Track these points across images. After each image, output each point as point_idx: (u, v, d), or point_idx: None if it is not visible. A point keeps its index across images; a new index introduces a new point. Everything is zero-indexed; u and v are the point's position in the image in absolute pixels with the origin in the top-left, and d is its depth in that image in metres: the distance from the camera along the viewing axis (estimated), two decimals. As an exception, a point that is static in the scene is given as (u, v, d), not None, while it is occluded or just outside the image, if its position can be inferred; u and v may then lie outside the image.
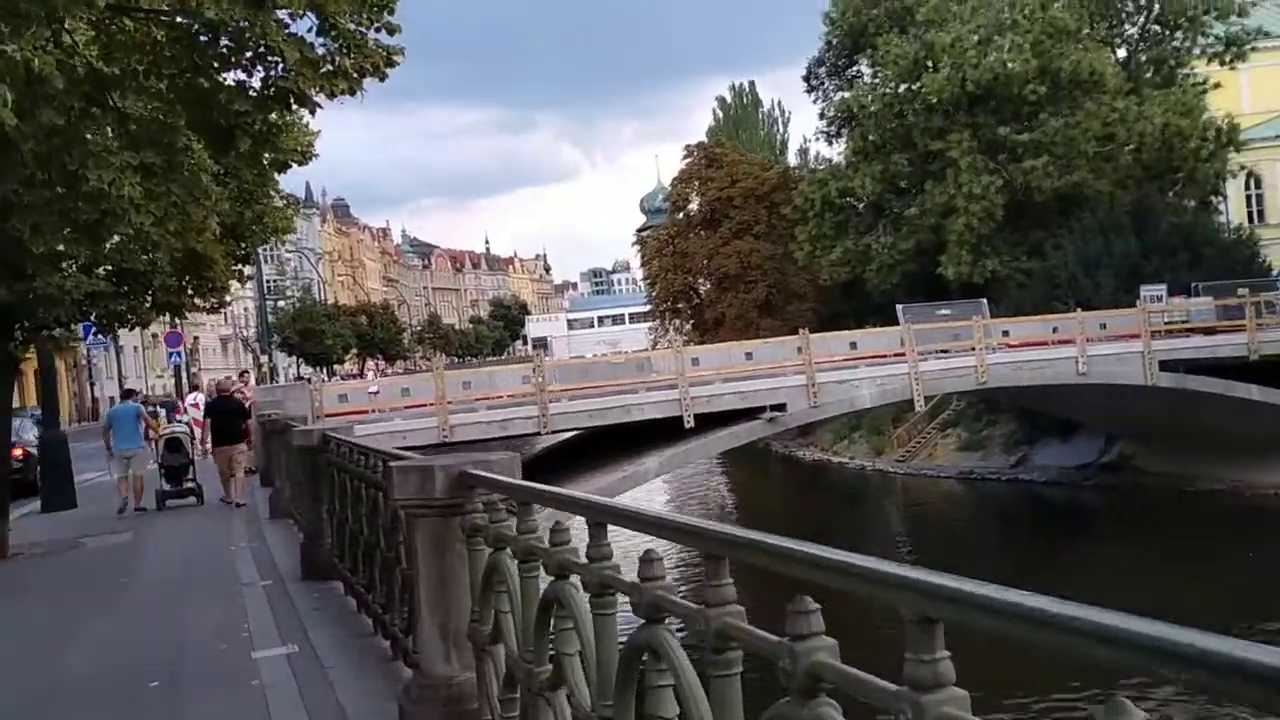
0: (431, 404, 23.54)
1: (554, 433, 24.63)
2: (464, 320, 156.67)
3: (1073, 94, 39.99)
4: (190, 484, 16.72)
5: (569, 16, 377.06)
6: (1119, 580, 24.48)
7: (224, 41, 6.06)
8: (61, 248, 8.81)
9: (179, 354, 33.30)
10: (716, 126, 76.74)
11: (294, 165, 12.44)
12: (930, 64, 40.68)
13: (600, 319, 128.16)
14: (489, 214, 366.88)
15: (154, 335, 71.06)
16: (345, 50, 6.30)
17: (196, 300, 13.52)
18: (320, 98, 6.49)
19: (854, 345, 29.76)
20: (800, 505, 41.51)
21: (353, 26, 6.34)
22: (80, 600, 9.95)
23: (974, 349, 27.53)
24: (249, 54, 6.18)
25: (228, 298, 16.68)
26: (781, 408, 24.73)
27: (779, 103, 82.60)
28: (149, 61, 6.25)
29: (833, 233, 43.52)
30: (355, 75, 6.42)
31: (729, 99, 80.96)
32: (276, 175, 12.81)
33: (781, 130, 79.93)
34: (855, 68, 48.21)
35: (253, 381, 23.05)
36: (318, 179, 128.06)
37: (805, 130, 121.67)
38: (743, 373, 25.60)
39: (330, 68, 6.34)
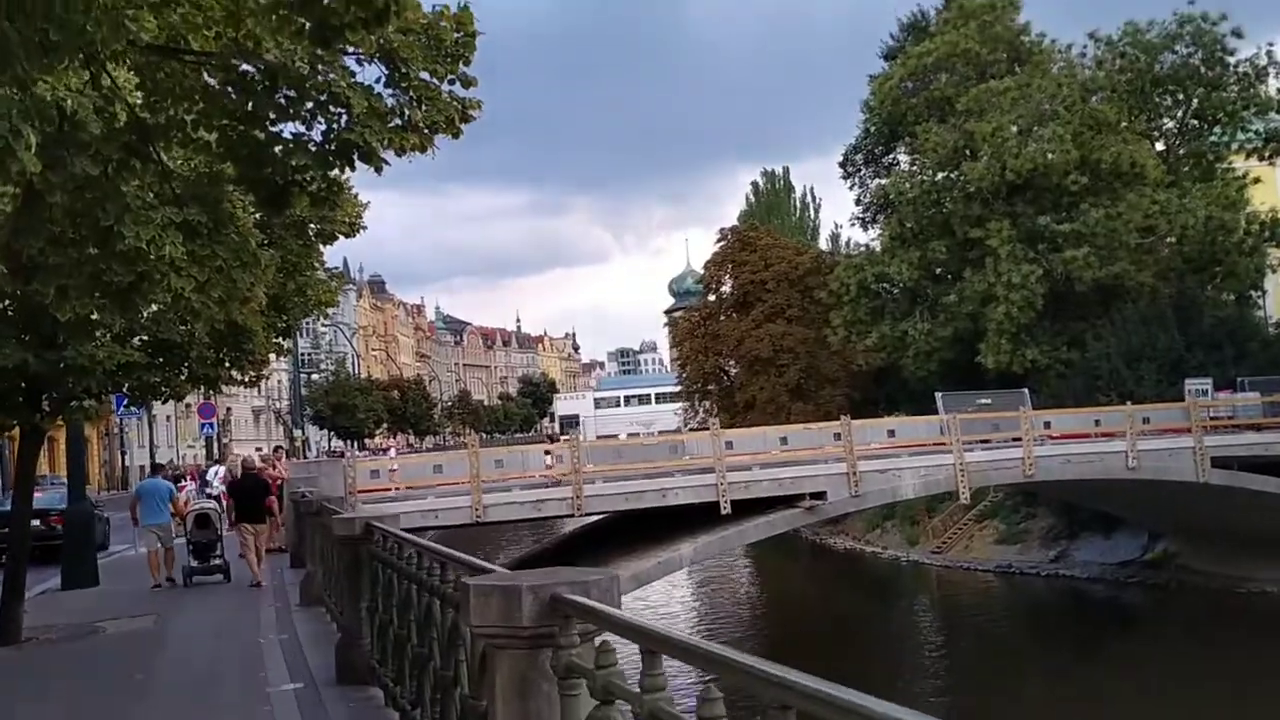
0: (464, 482, 23.02)
1: (586, 515, 23.99)
2: (493, 397, 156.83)
3: (1113, 185, 39.73)
4: (218, 561, 16.60)
5: (603, 103, 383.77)
6: (1164, 684, 23.41)
7: (284, 90, 5.62)
8: (94, 316, 8.33)
9: (211, 425, 33.06)
10: (749, 211, 77.03)
11: (340, 237, 12.01)
12: (969, 152, 40.62)
13: (627, 398, 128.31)
14: (520, 293, 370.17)
15: (187, 405, 71.26)
16: (417, 102, 5.85)
17: (234, 373, 12.82)
18: (388, 154, 6.00)
19: (892, 433, 29.10)
20: (832, 599, 40.46)
21: (426, 76, 5.89)
22: (90, 704, 9.01)
23: (1020, 440, 26.81)
24: (310, 104, 5.72)
25: (266, 370, 15.96)
26: (821, 496, 24.01)
27: (811, 189, 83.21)
28: (198, 110, 5.81)
29: (868, 318, 43.08)
30: (426, 130, 5.95)
31: (761, 184, 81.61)
32: (322, 247, 12.37)
33: (813, 216, 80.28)
34: (892, 155, 48.26)
35: (284, 459, 22.52)
36: (355, 255, 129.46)
37: (837, 216, 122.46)
38: (782, 459, 24.94)
39: (399, 121, 5.89)
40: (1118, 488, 29.14)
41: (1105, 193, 39.43)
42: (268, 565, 16.59)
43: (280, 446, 29.19)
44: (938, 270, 41.84)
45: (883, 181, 45.11)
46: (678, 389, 68.02)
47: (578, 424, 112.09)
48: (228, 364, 12.31)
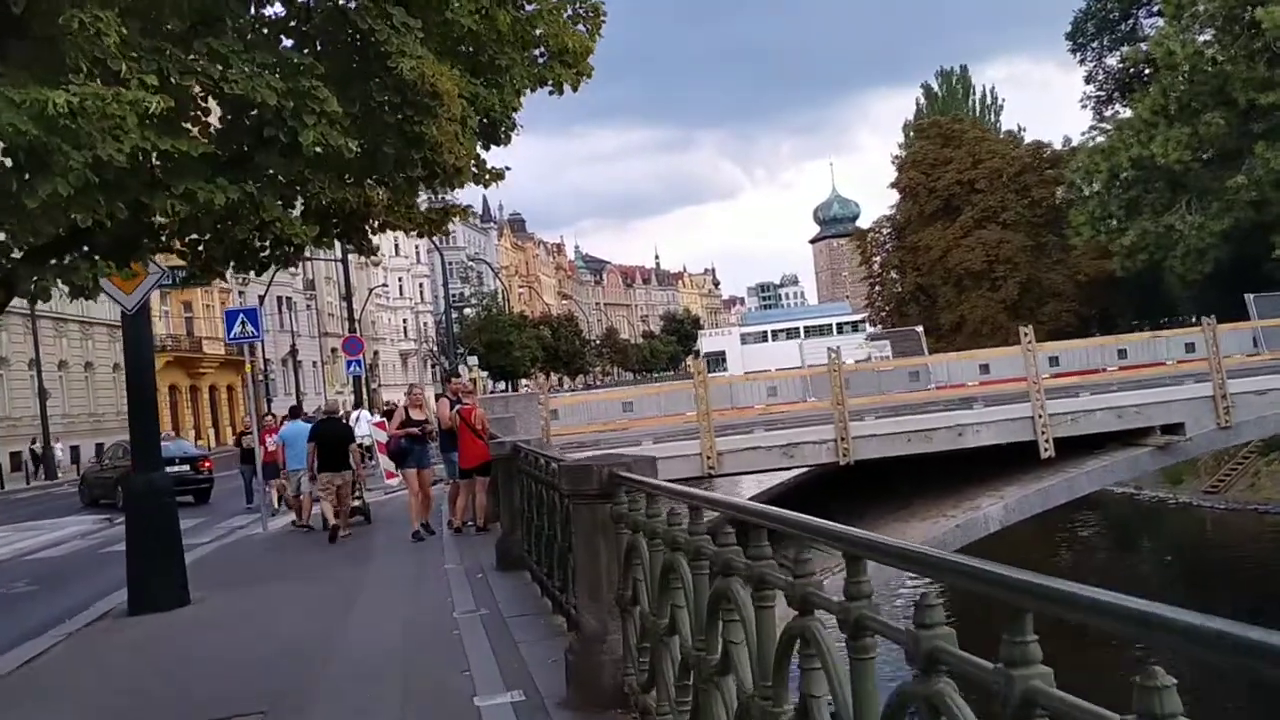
0: (690, 420, 17.45)
1: (854, 462, 18.06)
2: (637, 335, 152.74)
3: None
4: (358, 502, 16.07)
5: (726, 36, 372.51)
6: None
7: None
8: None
9: (358, 363, 28.37)
10: (919, 117, 69.39)
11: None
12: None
13: (774, 333, 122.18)
14: (650, 234, 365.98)
15: (333, 350, 68.01)
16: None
17: (399, 206, 5.69)
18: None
19: (1191, 347, 22.39)
20: (1084, 548, 33.91)
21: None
22: None
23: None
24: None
25: (457, 199, 7.98)
26: (1177, 429, 17.55)
27: (991, 89, 75.26)
28: None
29: (1121, 213, 35.69)
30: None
31: (936, 86, 74.04)
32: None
33: (994, 119, 72.26)
34: (1133, 20, 40.28)
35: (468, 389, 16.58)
36: (493, 195, 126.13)
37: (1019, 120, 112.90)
38: (1129, 379, 18.56)
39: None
40: None
41: None
42: (459, 567, 10.94)
43: (457, 376, 24.09)
44: (1211, 151, 34.10)
45: (1142, 45, 37.12)
46: (827, 321, 62.53)
47: (724, 361, 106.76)
48: (390, 182, 5.71)
